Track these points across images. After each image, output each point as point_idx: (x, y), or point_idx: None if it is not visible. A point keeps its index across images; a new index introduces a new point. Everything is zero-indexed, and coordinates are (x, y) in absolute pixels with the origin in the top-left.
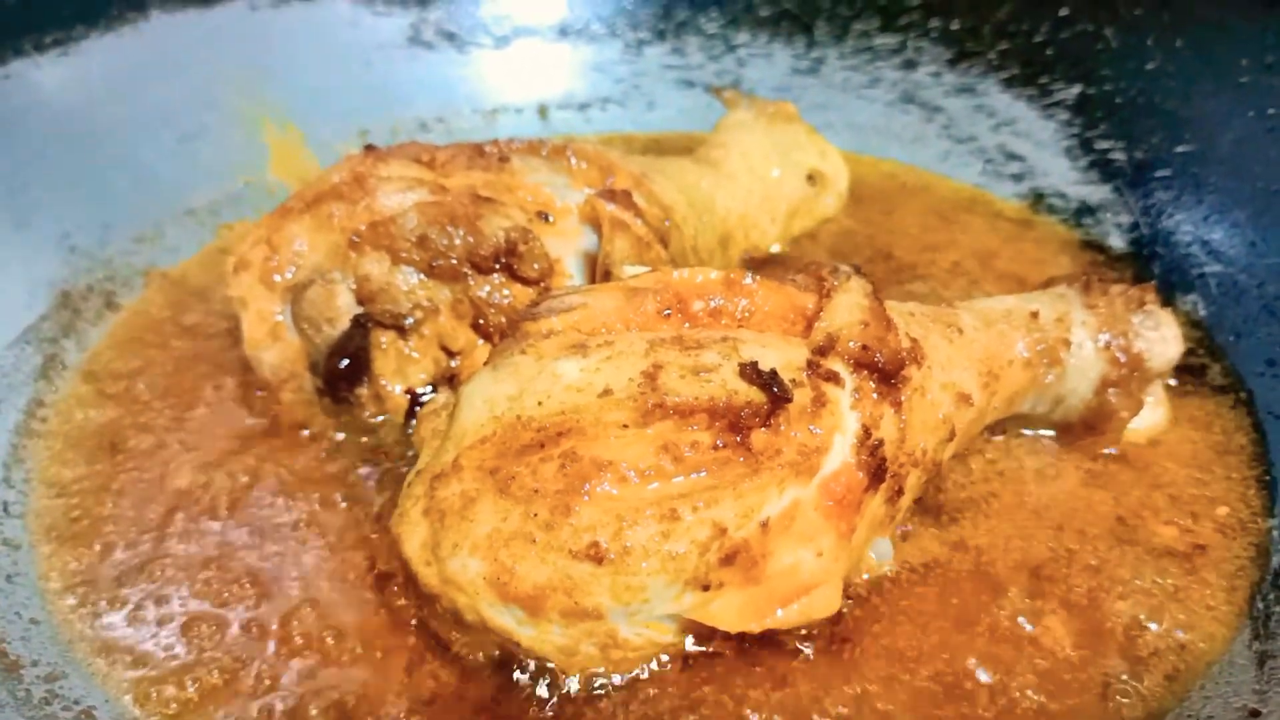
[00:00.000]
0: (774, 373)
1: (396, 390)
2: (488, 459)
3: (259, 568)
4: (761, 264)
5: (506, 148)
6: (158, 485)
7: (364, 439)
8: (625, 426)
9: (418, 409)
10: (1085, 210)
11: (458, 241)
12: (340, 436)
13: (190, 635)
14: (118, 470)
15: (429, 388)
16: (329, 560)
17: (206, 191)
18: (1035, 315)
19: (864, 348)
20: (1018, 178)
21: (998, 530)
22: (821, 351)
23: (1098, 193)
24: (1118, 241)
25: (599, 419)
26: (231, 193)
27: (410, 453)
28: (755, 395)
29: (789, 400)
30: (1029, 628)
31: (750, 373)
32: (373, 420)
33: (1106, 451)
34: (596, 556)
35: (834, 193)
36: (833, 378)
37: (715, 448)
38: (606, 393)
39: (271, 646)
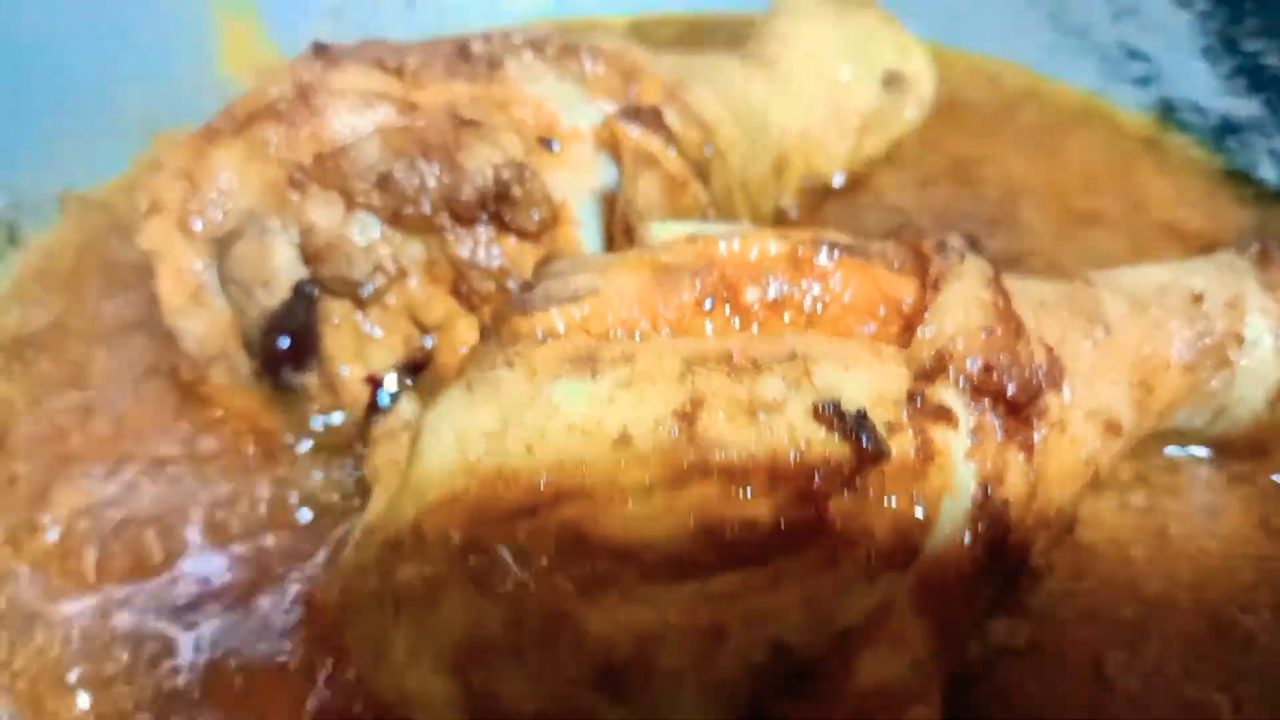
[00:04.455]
0: (863, 415)
1: (354, 377)
2: (457, 527)
3: (164, 616)
4: (822, 200)
5: (499, 45)
6: (44, 498)
7: (317, 436)
8: (649, 490)
9: (383, 404)
10: (1228, 129)
11: (432, 182)
12: (289, 439)
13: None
14: None
15: (395, 375)
16: (256, 613)
17: (140, 91)
18: (1199, 299)
19: (987, 368)
20: (1142, 82)
21: (1133, 594)
22: (929, 375)
23: (1245, 107)
24: (1270, 173)
25: (613, 479)
26: (171, 94)
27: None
28: (835, 449)
29: (884, 456)
30: None
31: (830, 414)
32: (325, 416)
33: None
34: (614, 686)
35: (916, 100)
36: (944, 416)
37: (777, 528)
38: (624, 440)
39: None
